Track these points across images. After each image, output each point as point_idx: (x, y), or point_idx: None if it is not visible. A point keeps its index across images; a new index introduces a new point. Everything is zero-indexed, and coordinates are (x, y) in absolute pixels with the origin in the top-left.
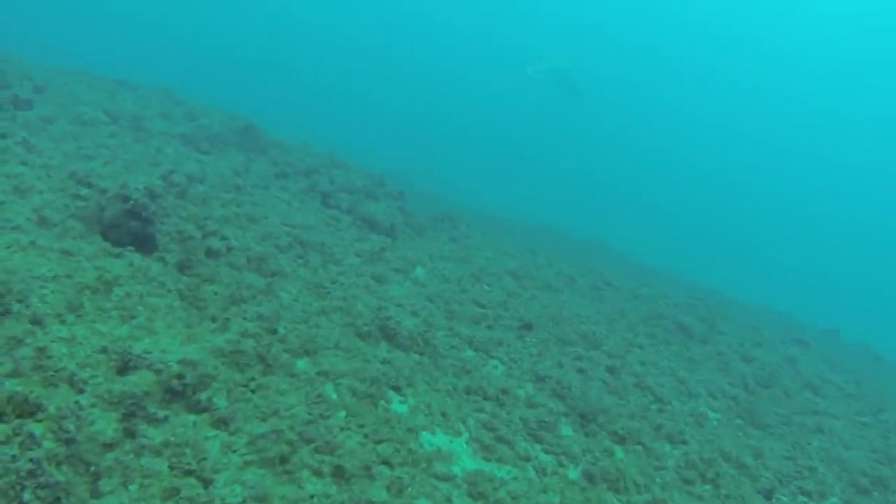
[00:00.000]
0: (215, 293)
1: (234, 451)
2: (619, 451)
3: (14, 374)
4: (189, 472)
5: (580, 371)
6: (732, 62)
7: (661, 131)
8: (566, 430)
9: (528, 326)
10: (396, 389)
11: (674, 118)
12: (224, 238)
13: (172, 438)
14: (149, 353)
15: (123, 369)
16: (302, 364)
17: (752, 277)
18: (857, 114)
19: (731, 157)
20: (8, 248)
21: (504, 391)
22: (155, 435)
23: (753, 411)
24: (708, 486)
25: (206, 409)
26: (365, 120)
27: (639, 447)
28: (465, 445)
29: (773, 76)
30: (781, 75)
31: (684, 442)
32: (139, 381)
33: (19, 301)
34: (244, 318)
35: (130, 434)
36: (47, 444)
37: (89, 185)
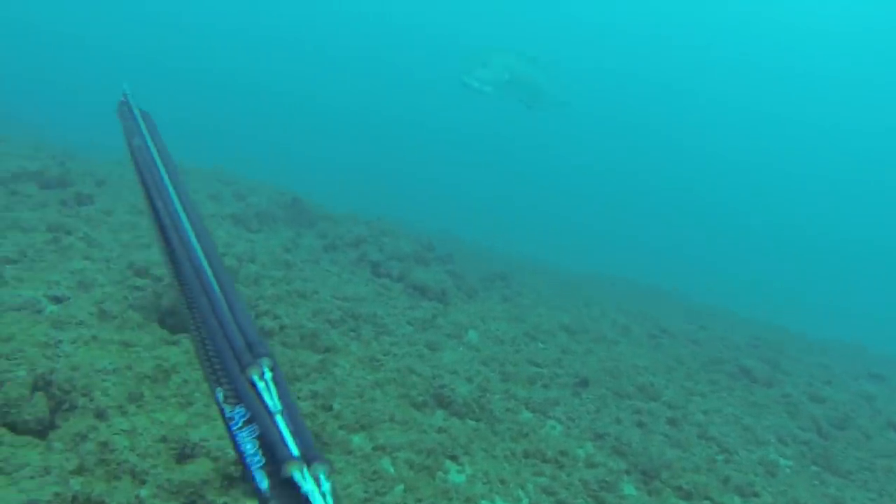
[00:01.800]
0: None
1: None
2: None
3: (80, 470)
4: None
5: (640, 425)
6: (760, 55)
7: (680, 145)
8: (628, 488)
9: (585, 382)
10: (454, 459)
11: (696, 128)
12: (276, 317)
13: None
14: (206, 440)
15: (182, 458)
16: (357, 440)
17: (817, 308)
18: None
19: (779, 170)
20: (72, 343)
21: (563, 452)
22: None
23: (830, 456)
24: None
25: None
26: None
27: (706, 503)
28: None
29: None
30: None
31: (755, 494)
32: (198, 469)
33: (84, 395)
34: (298, 398)
35: None
36: None
37: (146, 275)
